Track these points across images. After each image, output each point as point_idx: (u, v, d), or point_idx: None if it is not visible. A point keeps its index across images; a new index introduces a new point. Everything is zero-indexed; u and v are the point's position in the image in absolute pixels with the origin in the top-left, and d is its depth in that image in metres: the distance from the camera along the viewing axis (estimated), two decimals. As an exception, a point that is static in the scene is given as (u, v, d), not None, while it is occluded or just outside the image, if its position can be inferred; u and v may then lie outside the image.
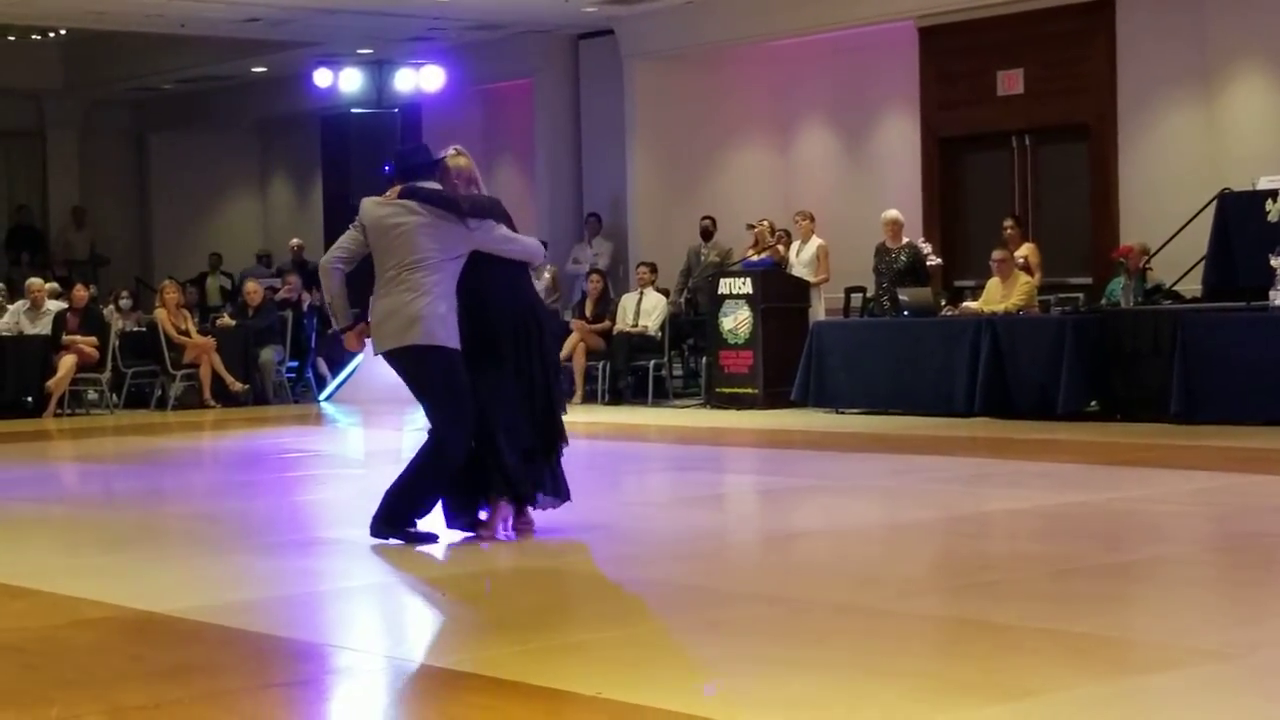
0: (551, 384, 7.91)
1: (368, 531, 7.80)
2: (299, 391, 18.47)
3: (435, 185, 7.78)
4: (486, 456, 7.71)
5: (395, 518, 7.77)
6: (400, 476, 7.78)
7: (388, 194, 7.76)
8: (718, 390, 15.68)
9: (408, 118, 19.43)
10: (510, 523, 7.89)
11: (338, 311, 8.14)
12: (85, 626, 6.18)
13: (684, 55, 19.33)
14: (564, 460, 8.04)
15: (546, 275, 18.73)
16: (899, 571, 7.29)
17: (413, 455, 7.83)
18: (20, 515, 9.63)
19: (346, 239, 7.89)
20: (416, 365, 7.69)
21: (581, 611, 6.45)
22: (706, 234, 18.03)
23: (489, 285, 7.80)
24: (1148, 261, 14.31)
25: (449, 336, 7.63)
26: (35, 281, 17.84)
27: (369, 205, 7.83)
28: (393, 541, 7.74)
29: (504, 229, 7.88)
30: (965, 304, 14.87)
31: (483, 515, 7.88)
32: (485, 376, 7.69)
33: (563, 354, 16.88)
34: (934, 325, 14.39)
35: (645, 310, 16.85)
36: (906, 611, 6.23)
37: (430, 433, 7.79)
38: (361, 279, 8.00)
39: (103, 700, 5.05)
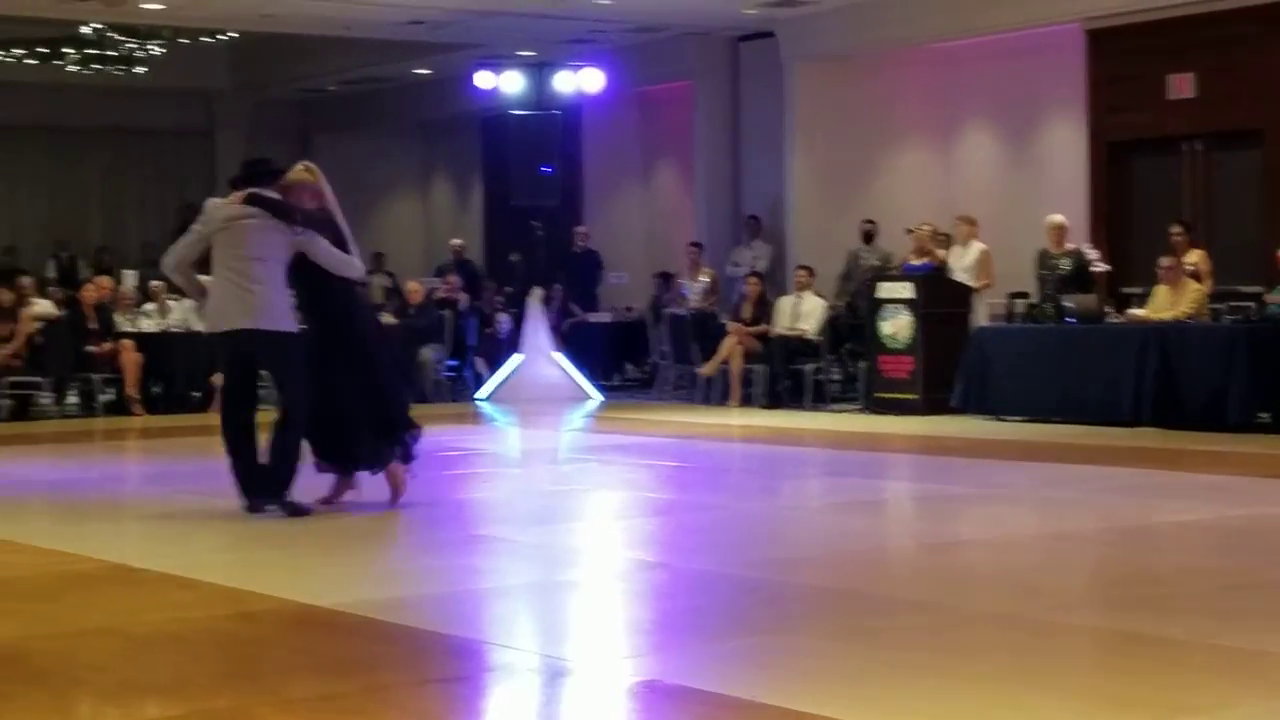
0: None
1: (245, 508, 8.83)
2: (458, 390, 18.63)
3: (274, 194, 8.93)
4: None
5: (276, 489, 8.84)
6: (271, 453, 8.84)
7: (232, 197, 8.95)
8: (876, 395, 15.56)
9: (568, 119, 19.52)
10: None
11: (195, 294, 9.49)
12: (250, 619, 6.29)
13: (845, 57, 19.22)
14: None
15: (704, 278, 18.75)
16: (1060, 582, 7.18)
17: (275, 435, 8.84)
18: (186, 508, 9.80)
19: (187, 241, 9.08)
20: (279, 348, 8.81)
21: (737, 615, 6.42)
22: (867, 237, 17.91)
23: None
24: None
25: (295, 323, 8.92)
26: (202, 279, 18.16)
27: (214, 204, 9.05)
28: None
29: (325, 243, 8.90)
30: (1132, 311, 14.60)
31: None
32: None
33: (720, 356, 16.90)
34: (1099, 332, 14.17)
35: (803, 314, 16.77)
36: (1067, 623, 6.13)
37: (288, 409, 8.87)
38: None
39: (269, 692, 5.12)
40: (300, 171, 9.15)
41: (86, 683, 5.38)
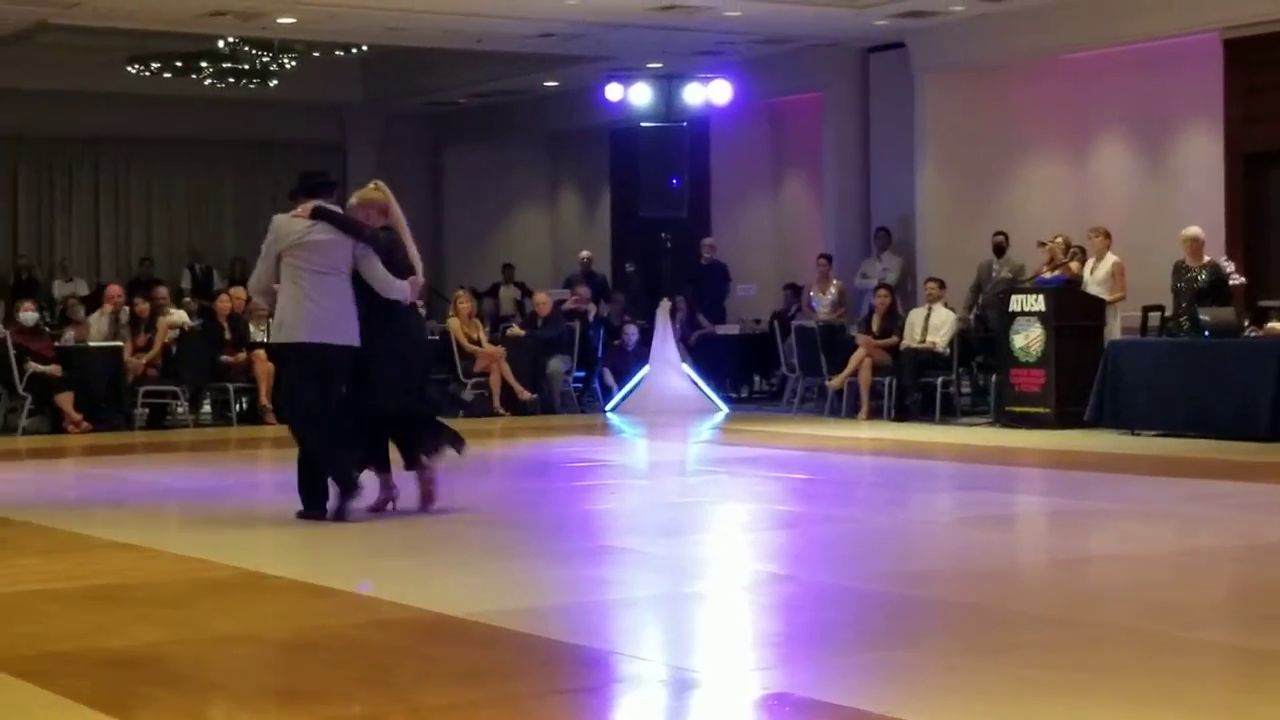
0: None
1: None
2: (585, 401, 18.70)
3: (336, 208, 9.20)
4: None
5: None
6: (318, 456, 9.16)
7: (298, 210, 9.10)
8: (1007, 409, 15.41)
9: (696, 131, 19.53)
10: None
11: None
12: (383, 627, 6.34)
13: (977, 68, 19.06)
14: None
15: (833, 290, 18.68)
16: (1196, 599, 7.06)
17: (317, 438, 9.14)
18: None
19: (264, 263, 9.24)
20: (343, 361, 9.07)
21: (866, 629, 6.38)
22: (999, 250, 17.75)
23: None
24: None
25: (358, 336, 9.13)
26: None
27: (283, 220, 9.19)
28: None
29: (378, 262, 9.10)
30: (1270, 324, 14.33)
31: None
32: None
33: (849, 369, 16.82)
34: (1237, 346, 13.93)
35: (933, 326, 16.64)
36: (1204, 641, 6.03)
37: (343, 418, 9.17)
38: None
39: (401, 700, 5.16)
40: (371, 190, 9.39)
41: (223, 688, 5.46)
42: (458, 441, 9.47)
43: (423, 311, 10.43)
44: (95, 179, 24.45)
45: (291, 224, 9.13)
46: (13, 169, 24.21)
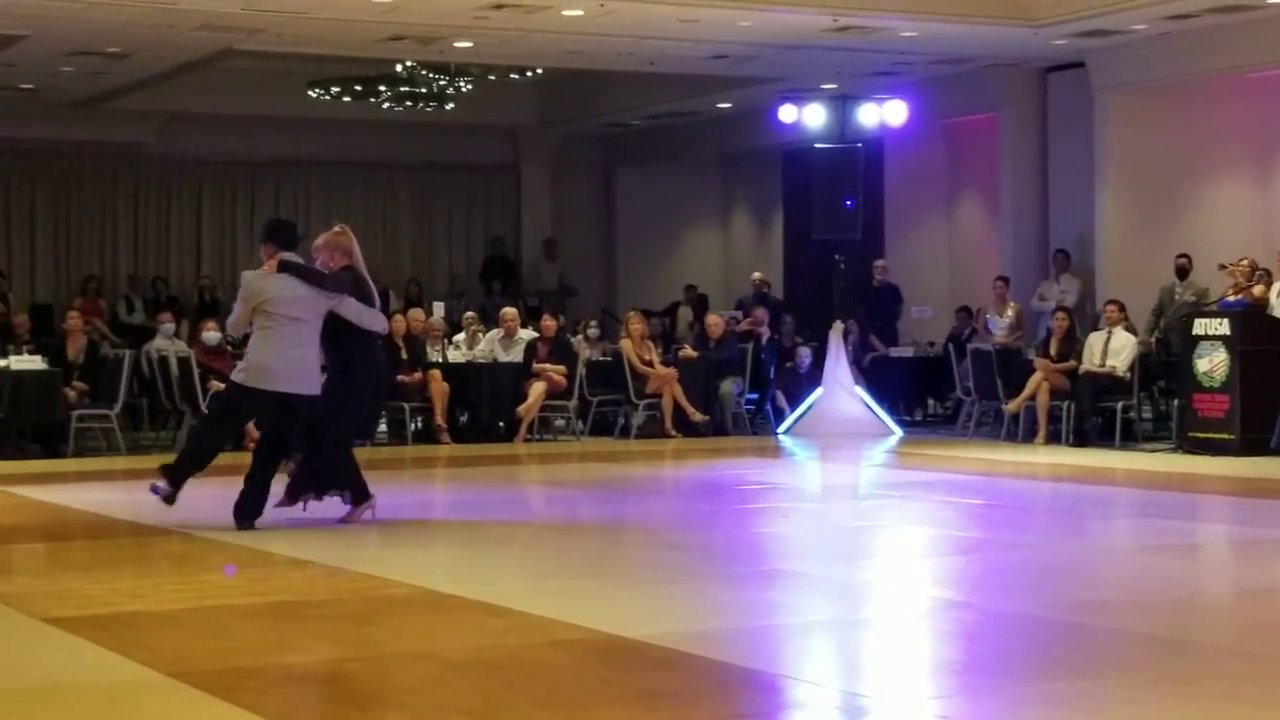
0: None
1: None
2: (758, 424, 18.63)
3: (300, 261, 10.02)
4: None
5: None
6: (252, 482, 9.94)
7: (265, 267, 9.88)
8: (1190, 435, 15.08)
9: (870, 152, 19.40)
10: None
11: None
12: (559, 647, 6.36)
13: (1159, 87, 18.70)
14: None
15: (1010, 313, 18.43)
16: (1394, 634, 6.83)
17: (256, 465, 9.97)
18: (492, 536, 10.00)
19: (238, 312, 10.05)
20: (307, 408, 9.84)
21: (1046, 658, 6.26)
22: (1182, 272, 17.38)
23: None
24: None
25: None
26: (509, 311, 18.59)
27: (254, 277, 9.97)
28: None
29: (353, 302, 9.93)
30: None
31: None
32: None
33: (1026, 393, 16.57)
34: None
35: (1113, 350, 16.34)
36: (1405, 678, 5.83)
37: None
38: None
39: (578, 721, 5.17)
40: (336, 234, 10.23)
41: (403, 706, 5.50)
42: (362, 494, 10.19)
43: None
44: (276, 201, 24.91)
45: (262, 281, 9.89)
46: (196, 191, 24.75)
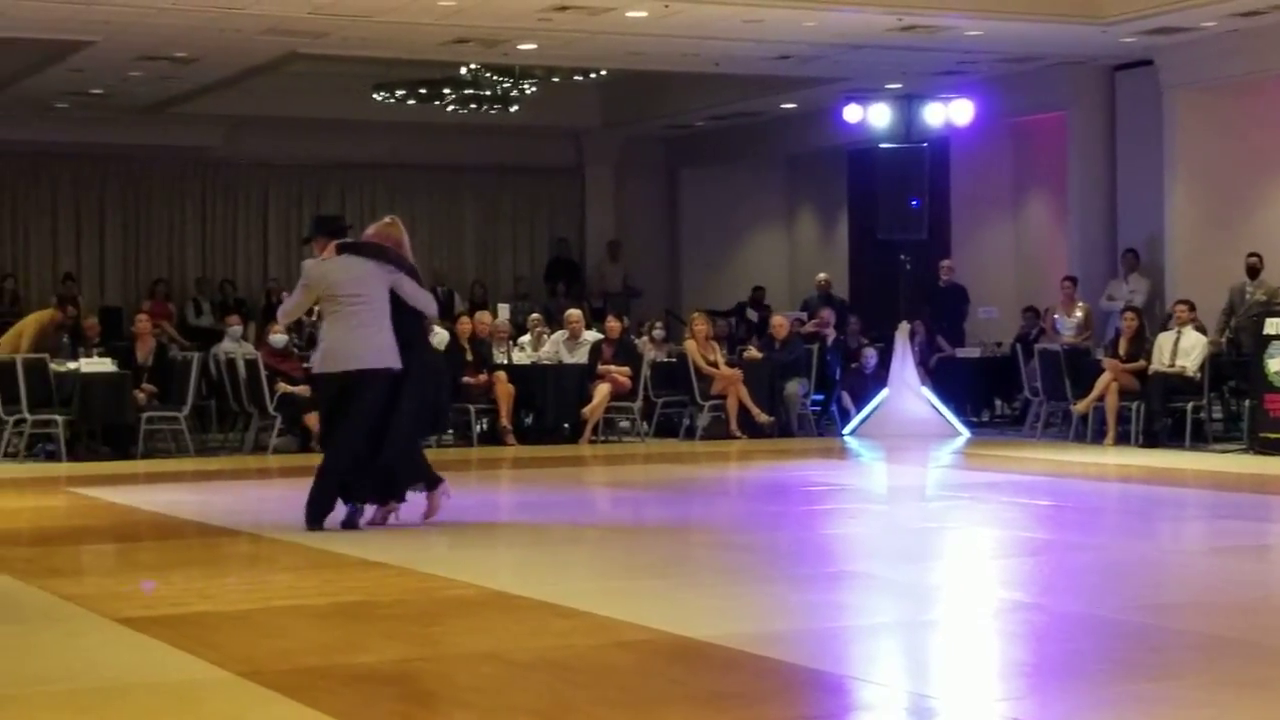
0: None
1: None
2: (823, 425, 18.58)
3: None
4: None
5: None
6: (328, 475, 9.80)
7: (325, 254, 9.82)
8: (1262, 435, 14.94)
9: (935, 152, 19.30)
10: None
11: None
12: (626, 648, 6.35)
13: (1230, 84, 18.53)
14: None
15: (1079, 313, 18.30)
16: None
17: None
18: (558, 538, 10.01)
19: (297, 300, 10.13)
20: (383, 382, 9.69)
21: (1117, 660, 6.20)
22: (1253, 271, 17.21)
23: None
24: None
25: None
26: (574, 313, 18.61)
27: (313, 264, 9.93)
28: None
29: (410, 281, 9.89)
30: None
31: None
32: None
33: (1095, 393, 16.44)
34: None
35: (1183, 350, 16.20)
36: None
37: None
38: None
39: (645, 722, 5.17)
40: (387, 224, 10.15)
41: (471, 705, 5.50)
42: (434, 480, 10.06)
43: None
44: (341, 203, 25.03)
45: (322, 267, 9.86)
46: (263, 194, 24.94)
